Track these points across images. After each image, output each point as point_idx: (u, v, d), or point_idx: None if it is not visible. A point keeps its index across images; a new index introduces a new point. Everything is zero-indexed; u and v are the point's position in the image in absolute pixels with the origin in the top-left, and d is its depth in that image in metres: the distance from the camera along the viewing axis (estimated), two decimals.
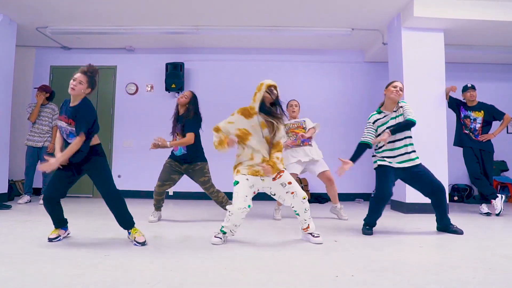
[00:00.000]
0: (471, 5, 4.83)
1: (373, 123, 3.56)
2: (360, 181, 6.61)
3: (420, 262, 2.42)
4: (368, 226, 3.44)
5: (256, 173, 2.94)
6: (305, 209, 3.00)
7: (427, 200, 4.71)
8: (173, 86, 6.36)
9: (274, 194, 3.06)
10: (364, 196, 6.57)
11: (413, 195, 4.88)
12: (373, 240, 3.15)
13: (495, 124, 5.02)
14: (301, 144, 4.35)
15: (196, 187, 4.33)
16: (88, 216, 4.28)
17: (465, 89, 5.00)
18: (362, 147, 3.51)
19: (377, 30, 5.78)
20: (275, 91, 3.02)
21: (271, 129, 2.99)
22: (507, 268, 2.29)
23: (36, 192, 6.11)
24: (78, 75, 2.79)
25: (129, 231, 2.92)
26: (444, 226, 3.49)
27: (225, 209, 3.74)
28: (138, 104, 6.71)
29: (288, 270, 2.21)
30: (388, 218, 4.36)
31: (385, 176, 3.39)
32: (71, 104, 2.81)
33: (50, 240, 2.85)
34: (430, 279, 2.05)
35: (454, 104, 5.08)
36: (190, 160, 3.97)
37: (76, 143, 2.72)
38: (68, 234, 3.05)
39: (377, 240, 3.13)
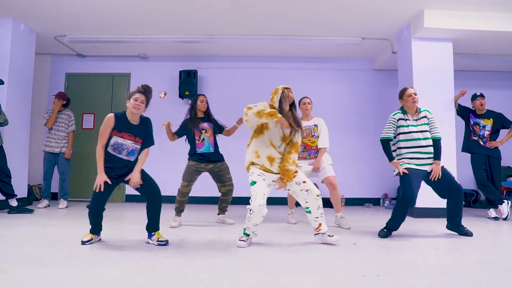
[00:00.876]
0: (478, 17, 4.99)
1: (397, 121, 3.60)
2: (369, 186, 6.75)
3: (438, 264, 2.55)
4: (388, 230, 3.52)
5: (270, 171, 3.13)
6: (318, 206, 3.14)
7: (437, 205, 4.87)
8: (187, 93, 6.51)
9: (289, 190, 3.21)
10: (373, 201, 6.70)
11: (423, 200, 5.00)
12: (390, 243, 3.28)
13: (502, 132, 5.17)
14: (308, 158, 4.30)
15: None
16: (109, 221, 4.41)
17: (474, 97, 5.15)
18: (387, 143, 3.60)
19: (386, 40, 5.94)
20: (291, 94, 3.19)
21: (290, 130, 3.16)
22: None
23: (54, 196, 6.26)
24: (139, 96, 3.01)
25: (153, 233, 3.09)
26: (455, 226, 3.60)
27: (223, 212, 4.23)
28: (152, 110, 6.72)
29: (316, 271, 2.34)
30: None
31: (412, 179, 3.41)
32: (133, 123, 3.07)
33: (84, 243, 2.99)
34: (451, 280, 2.18)
35: (463, 112, 5.23)
36: (216, 158, 4.18)
37: (146, 155, 3.19)
38: (100, 239, 3.18)
39: (393, 243, 3.26)
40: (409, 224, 4.50)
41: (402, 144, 3.58)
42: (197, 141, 4.14)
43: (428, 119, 3.58)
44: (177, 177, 4.32)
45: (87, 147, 6.72)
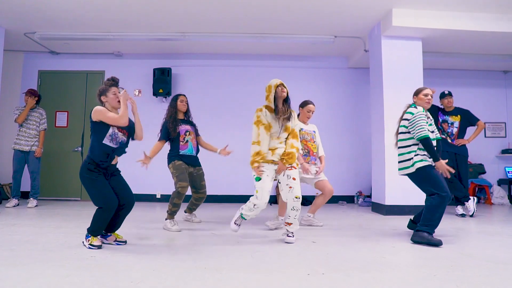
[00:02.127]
0: (446, 16, 5.06)
1: (428, 117, 3.41)
2: (344, 183, 6.79)
3: (390, 261, 2.58)
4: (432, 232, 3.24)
5: (272, 161, 3.24)
6: (293, 207, 3.18)
7: (406, 203, 4.94)
8: (161, 91, 6.47)
9: (280, 182, 3.29)
10: (347, 199, 6.75)
11: (392, 198, 5.07)
12: (349, 241, 3.30)
13: (469, 130, 5.24)
14: (309, 163, 4.17)
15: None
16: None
17: (442, 95, 5.21)
18: (429, 140, 3.27)
19: (359, 38, 5.98)
20: (283, 93, 3.29)
21: (286, 121, 3.31)
22: (469, 264, 2.46)
23: (24, 195, 6.17)
24: (116, 89, 3.02)
25: (110, 234, 3.07)
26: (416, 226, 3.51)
27: (190, 212, 4.21)
28: None
29: (263, 269, 2.35)
30: (368, 220, 4.53)
31: (438, 174, 3.30)
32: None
33: (98, 247, 2.85)
34: (396, 277, 2.20)
35: (432, 110, 5.28)
36: (196, 163, 4.14)
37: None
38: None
39: (353, 241, 3.28)
40: (376, 221, 4.54)
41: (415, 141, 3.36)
42: (181, 142, 4.01)
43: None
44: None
45: (60, 145, 6.64)
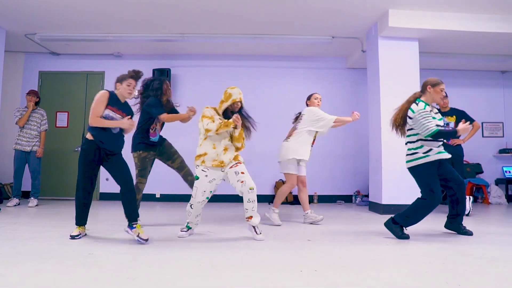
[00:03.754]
0: (443, 17, 5.10)
1: (429, 112, 3.35)
2: (342, 183, 6.85)
3: (383, 259, 2.64)
4: (401, 227, 3.37)
5: (220, 164, 3.28)
6: (249, 199, 3.26)
7: (402, 202, 4.97)
8: None
9: (229, 181, 3.35)
10: (345, 198, 6.80)
11: (389, 197, 5.12)
12: (345, 239, 3.35)
13: None
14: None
15: (183, 189, 4.39)
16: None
17: None
18: (439, 134, 3.29)
19: (356, 38, 6.03)
20: (239, 105, 3.39)
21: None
22: (461, 261, 2.50)
23: (25, 195, 6.23)
24: (132, 81, 3.25)
25: (134, 225, 3.09)
26: (456, 226, 3.52)
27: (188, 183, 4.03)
28: None
29: (257, 266, 2.40)
30: (364, 219, 4.57)
31: (435, 174, 3.32)
32: (122, 101, 3.28)
33: (73, 237, 3.08)
34: (389, 275, 2.25)
35: None
36: (161, 141, 4.04)
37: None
38: (85, 233, 3.29)
39: (348, 240, 3.33)
40: (373, 220, 4.59)
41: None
42: (151, 130, 3.92)
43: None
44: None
45: (60, 146, 6.70)
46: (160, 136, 4.07)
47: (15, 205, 5.47)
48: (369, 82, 5.75)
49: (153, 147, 3.97)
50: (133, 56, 6.98)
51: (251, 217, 3.30)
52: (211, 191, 3.28)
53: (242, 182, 3.26)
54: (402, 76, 5.29)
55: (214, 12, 5.27)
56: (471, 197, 4.97)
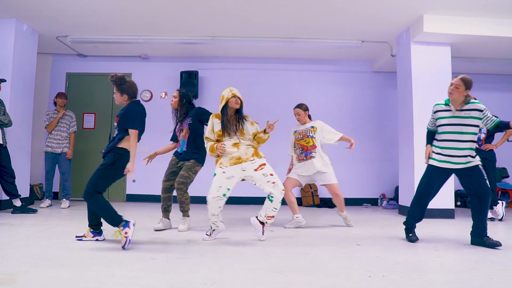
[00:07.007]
0: (476, 22, 5.10)
1: (434, 113, 3.44)
2: (367, 186, 6.87)
3: (441, 264, 2.66)
4: (407, 229, 3.56)
5: (238, 160, 3.33)
6: (280, 201, 3.31)
7: (434, 206, 4.98)
8: None
9: (255, 184, 3.39)
10: (371, 201, 6.81)
11: None
12: (390, 243, 3.38)
13: (497, 135, 5.30)
14: (305, 158, 4.29)
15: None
16: None
17: None
18: (428, 133, 3.56)
19: (385, 43, 6.04)
20: (236, 105, 3.47)
21: (238, 125, 3.45)
22: None
23: (55, 196, 6.29)
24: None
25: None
26: (480, 239, 3.26)
27: (183, 212, 3.91)
28: (152, 110, 6.86)
29: (321, 271, 2.43)
30: (399, 223, 4.59)
31: (433, 175, 3.41)
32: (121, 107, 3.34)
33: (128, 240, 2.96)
34: (453, 279, 2.28)
35: None
36: (187, 157, 3.89)
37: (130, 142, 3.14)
38: (104, 238, 3.28)
39: (393, 244, 3.36)
40: None
41: (437, 137, 3.43)
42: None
43: (483, 113, 3.28)
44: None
45: (88, 147, 6.76)
46: (186, 152, 3.90)
47: (47, 206, 5.53)
48: (399, 86, 5.76)
49: (179, 158, 4.01)
50: (159, 58, 7.03)
51: (273, 216, 3.35)
52: (228, 189, 3.25)
53: (273, 183, 3.30)
54: (433, 81, 5.30)
55: (245, 15, 5.30)
56: (503, 202, 4.98)
